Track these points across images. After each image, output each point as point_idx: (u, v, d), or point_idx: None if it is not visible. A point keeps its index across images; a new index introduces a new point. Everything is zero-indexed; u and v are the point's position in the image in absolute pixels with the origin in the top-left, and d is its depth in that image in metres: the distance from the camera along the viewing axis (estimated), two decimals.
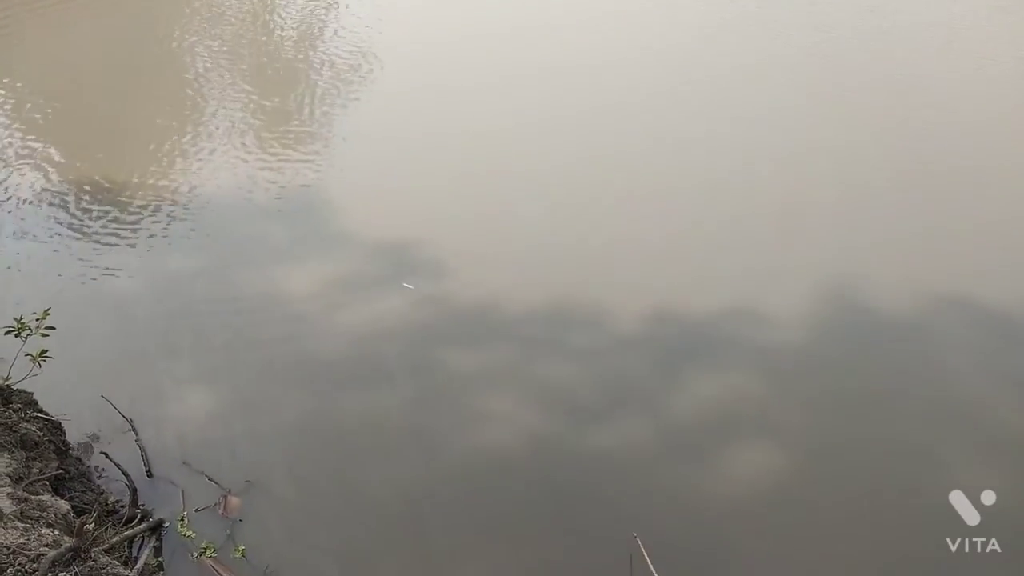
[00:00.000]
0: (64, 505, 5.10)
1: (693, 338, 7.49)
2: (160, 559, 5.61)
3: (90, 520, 4.73)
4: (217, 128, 11.17)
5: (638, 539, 5.40)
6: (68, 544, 4.45)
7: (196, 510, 5.92)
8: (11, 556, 4.38)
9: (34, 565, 4.33)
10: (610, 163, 10.12)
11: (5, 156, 10.49)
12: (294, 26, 14.62)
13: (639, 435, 6.54)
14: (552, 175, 9.88)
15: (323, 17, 14.92)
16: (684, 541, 5.75)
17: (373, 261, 8.47)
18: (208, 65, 13.05)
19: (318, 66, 13.03)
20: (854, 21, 14.26)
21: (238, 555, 5.62)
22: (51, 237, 8.93)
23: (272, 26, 14.69)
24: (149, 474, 6.18)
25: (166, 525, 5.81)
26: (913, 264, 8.43)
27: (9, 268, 8.41)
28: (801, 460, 6.34)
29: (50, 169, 10.15)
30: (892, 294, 7.97)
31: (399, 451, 6.43)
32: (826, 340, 7.48)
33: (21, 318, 6.07)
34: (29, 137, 10.86)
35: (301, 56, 13.58)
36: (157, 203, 9.49)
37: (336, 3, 15.36)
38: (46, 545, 4.53)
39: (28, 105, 11.62)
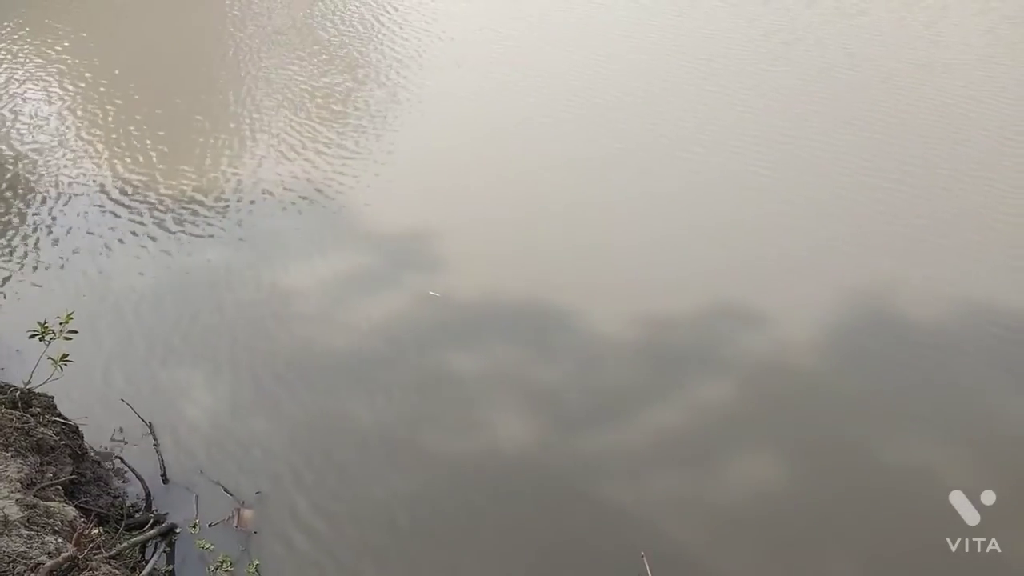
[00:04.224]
0: (71, 511, 5.15)
1: (691, 341, 7.57)
2: (171, 566, 5.65)
3: (90, 528, 4.77)
4: (264, 125, 11.38)
5: (645, 559, 5.25)
6: (67, 554, 4.48)
7: (210, 525, 5.90)
8: (10, 565, 4.43)
9: (32, 574, 4.38)
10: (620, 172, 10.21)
11: (65, 142, 10.84)
12: (348, 29, 14.79)
13: (644, 442, 6.49)
14: (587, 186, 9.94)
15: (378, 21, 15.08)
16: (689, 555, 5.67)
17: (395, 264, 8.50)
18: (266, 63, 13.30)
19: (374, 62, 13.22)
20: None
21: (252, 571, 5.61)
22: (87, 232, 9.11)
23: (326, 32, 14.85)
24: (164, 479, 6.23)
25: (178, 531, 5.84)
26: (910, 261, 8.49)
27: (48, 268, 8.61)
28: (801, 461, 6.35)
29: (100, 163, 10.42)
30: (891, 292, 8.00)
31: (406, 460, 6.41)
32: (825, 338, 7.48)
33: (45, 322, 6.18)
34: (92, 129, 11.15)
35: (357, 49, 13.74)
36: (195, 200, 9.67)
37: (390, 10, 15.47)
38: (47, 553, 4.58)
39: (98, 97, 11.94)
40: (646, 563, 5.23)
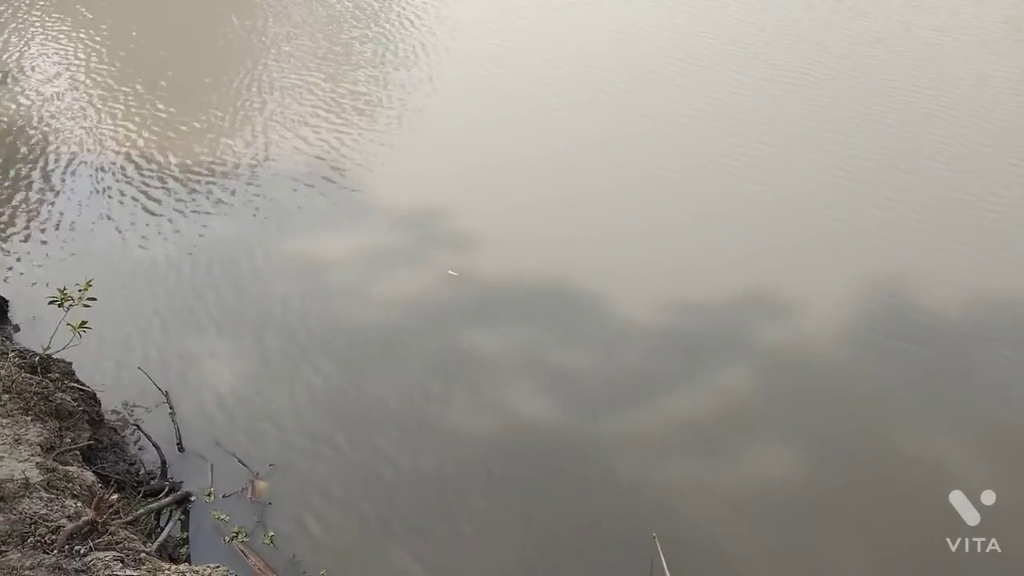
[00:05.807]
0: (90, 476, 5.21)
1: (710, 329, 7.57)
2: (185, 533, 5.70)
3: (110, 493, 4.81)
4: (280, 101, 11.39)
5: (657, 540, 5.29)
6: (87, 517, 4.53)
7: (224, 496, 5.93)
8: (32, 526, 4.49)
9: (53, 537, 4.43)
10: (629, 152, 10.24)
11: (87, 123, 10.81)
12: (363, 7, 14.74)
13: (660, 426, 6.51)
14: (609, 172, 9.91)
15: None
16: (699, 539, 5.71)
17: (415, 243, 8.50)
18: (279, 44, 13.25)
19: (384, 47, 13.15)
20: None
21: (267, 541, 5.65)
22: (109, 201, 9.16)
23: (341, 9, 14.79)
24: (180, 448, 6.28)
25: (192, 499, 5.90)
26: (919, 260, 8.39)
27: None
28: (802, 459, 6.34)
29: (121, 137, 10.40)
30: (904, 286, 7.98)
31: (422, 436, 6.44)
32: (840, 331, 7.46)
33: (64, 289, 6.23)
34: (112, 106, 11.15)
35: (366, 35, 13.67)
36: (212, 172, 9.69)
37: None
38: (67, 517, 4.63)
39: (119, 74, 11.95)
40: (658, 545, 5.27)
